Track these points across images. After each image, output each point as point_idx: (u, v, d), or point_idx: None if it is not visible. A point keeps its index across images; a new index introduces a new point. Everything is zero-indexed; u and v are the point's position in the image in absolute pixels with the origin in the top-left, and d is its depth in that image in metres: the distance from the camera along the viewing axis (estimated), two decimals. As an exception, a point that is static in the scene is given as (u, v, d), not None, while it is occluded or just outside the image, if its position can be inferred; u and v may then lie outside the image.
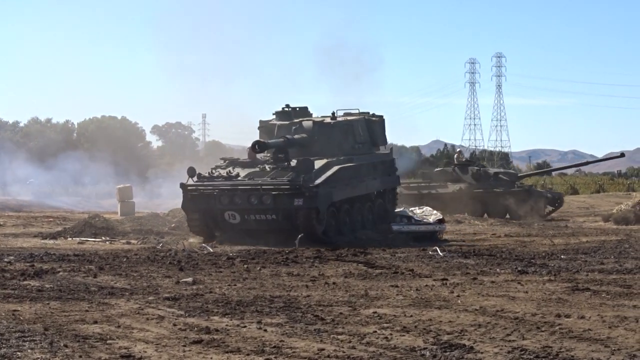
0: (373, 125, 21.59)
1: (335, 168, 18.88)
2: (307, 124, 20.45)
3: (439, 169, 36.22)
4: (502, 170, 36.03)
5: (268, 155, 19.96)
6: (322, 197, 18.10)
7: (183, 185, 18.83)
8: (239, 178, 18.68)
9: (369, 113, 21.68)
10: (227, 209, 18.33)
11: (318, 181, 18.14)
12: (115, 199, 32.45)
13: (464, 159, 35.31)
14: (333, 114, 20.92)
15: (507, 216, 31.41)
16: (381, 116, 22.14)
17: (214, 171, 19.18)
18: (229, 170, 19.09)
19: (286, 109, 21.29)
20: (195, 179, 18.84)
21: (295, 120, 20.67)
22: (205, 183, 18.70)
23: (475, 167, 33.96)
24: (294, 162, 18.61)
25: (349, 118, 21.12)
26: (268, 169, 18.91)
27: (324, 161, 18.91)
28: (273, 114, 21.36)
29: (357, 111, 21.52)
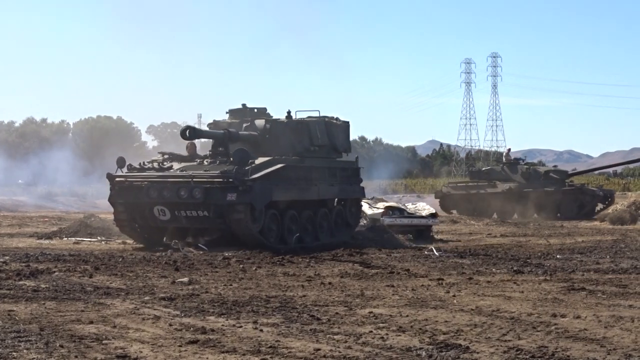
0: (334, 130, 19.76)
1: (279, 165, 17.32)
2: (259, 122, 18.85)
3: (487, 167, 35.35)
4: (552, 168, 35.15)
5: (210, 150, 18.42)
6: (258, 192, 16.49)
7: (110, 176, 17.40)
8: (171, 170, 17.24)
9: (333, 117, 20.05)
10: (156, 204, 16.85)
11: (255, 175, 16.53)
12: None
13: (512, 158, 34.43)
14: (288, 112, 19.22)
15: (559, 215, 31.05)
16: (346, 122, 20.41)
17: (147, 163, 17.80)
18: (162, 163, 17.71)
19: (242, 108, 19.57)
20: (124, 170, 17.53)
21: (247, 118, 19.09)
22: (134, 174, 17.33)
23: (525, 166, 33.31)
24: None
25: (305, 118, 19.36)
26: (206, 163, 17.47)
27: (267, 158, 17.30)
28: (227, 112, 19.73)
29: (317, 113, 19.72)
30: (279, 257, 14.90)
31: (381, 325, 8.12)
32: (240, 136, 18.32)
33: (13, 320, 8.23)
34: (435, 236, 21.29)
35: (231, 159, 16.93)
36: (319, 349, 6.94)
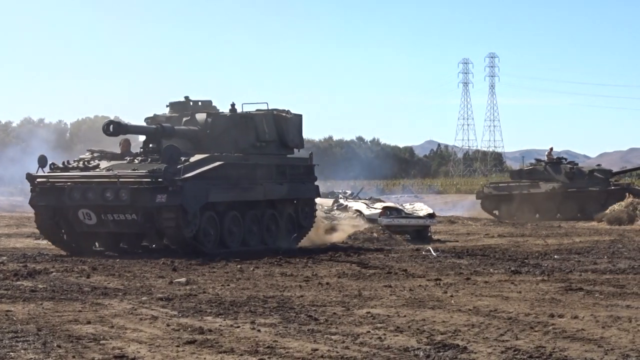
0: (284, 124, 18.07)
1: (217, 163, 15.77)
2: (200, 116, 17.16)
3: (529, 167, 34.40)
4: (596, 167, 34.07)
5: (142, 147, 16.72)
6: (191, 193, 15.01)
7: (29, 177, 15.87)
8: (97, 170, 15.71)
9: (283, 110, 18.33)
10: (80, 207, 15.34)
11: (188, 175, 15.02)
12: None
13: (554, 158, 33.49)
14: (232, 105, 17.48)
15: None
16: (298, 115, 18.65)
17: (72, 162, 16.22)
18: (88, 161, 16.12)
19: (184, 101, 17.84)
20: (47, 169, 15.97)
21: (188, 112, 17.42)
22: (56, 174, 15.78)
23: (569, 165, 32.51)
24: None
25: (251, 112, 17.76)
26: (136, 162, 15.87)
27: (204, 155, 15.80)
28: (167, 105, 17.97)
29: (265, 106, 18.09)
30: (277, 257, 14.88)
31: (379, 325, 8.12)
32: (177, 131, 16.70)
33: (10, 321, 8.23)
34: (433, 236, 21.28)
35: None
36: (316, 349, 6.94)
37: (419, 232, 20.85)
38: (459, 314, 8.78)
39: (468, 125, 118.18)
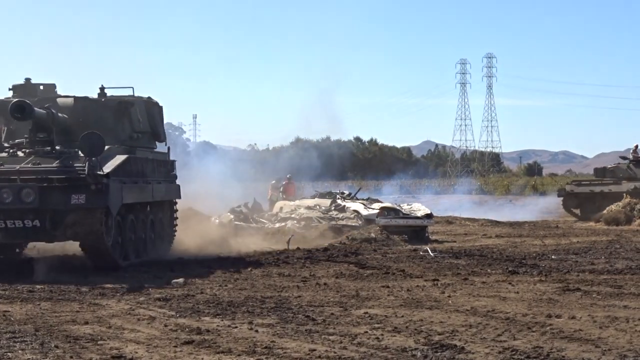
0: (154, 113, 15.70)
1: (124, 156, 13.37)
2: (65, 100, 14.29)
3: (613, 165, 32.99)
4: None
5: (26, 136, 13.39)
6: (114, 193, 12.49)
7: None
8: None
9: (150, 97, 15.85)
10: None
11: (108, 170, 12.49)
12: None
13: None
14: (102, 89, 14.74)
15: None
16: (157, 103, 16.20)
17: None
18: None
19: (25, 84, 14.97)
20: None
21: (44, 97, 14.41)
22: None
23: None
24: (60, 148, 12.97)
25: (125, 97, 14.95)
26: (22, 155, 12.84)
27: (106, 147, 12.74)
28: (10, 89, 14.99)
29: (131, 91, 15.27)
30: (274, 257, 14.89)
31: (376, 325, 8.12)
32: (60, 120, 13.76)
33: (8, 321, 8.24)
34: (431, 237, 21.28)
35: (56, 148, 12.99)
36: (314, 350, 6.94)
37: (417, 232, 20.83)
38: (457, 314, 8.79)
39: (466, 125, 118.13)
